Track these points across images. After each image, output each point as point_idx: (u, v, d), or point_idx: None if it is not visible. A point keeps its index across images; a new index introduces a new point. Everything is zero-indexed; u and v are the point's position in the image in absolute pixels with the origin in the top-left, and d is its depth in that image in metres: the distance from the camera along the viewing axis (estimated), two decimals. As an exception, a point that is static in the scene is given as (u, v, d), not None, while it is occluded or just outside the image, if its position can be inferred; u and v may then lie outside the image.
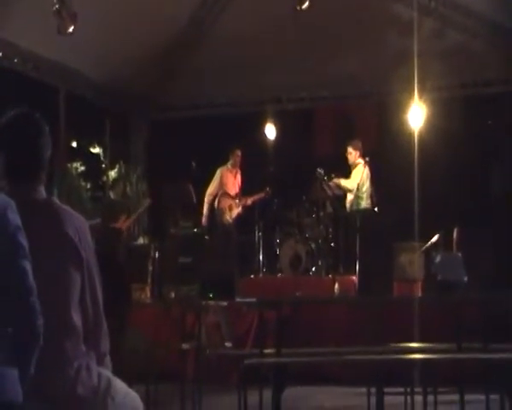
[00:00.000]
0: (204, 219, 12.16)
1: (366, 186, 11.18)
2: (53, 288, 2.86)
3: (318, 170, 11.42)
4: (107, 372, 3.06)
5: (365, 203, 11.15)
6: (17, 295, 2.41)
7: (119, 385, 3.10)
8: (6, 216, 2.44)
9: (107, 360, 3.13)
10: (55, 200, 3.08)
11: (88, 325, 3.01)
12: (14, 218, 2.45)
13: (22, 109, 3.04)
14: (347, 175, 11.44)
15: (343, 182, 11.33)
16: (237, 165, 12.34)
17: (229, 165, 12.36)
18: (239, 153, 12.27)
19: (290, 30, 11.07)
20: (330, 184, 11.44)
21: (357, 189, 11.18)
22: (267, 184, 12.28)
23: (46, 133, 3.05)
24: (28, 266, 2.42)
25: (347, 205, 11.42)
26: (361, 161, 11.32)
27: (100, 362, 3.05)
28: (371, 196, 11.13)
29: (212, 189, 12.27)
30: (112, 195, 11.37)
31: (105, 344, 3.11)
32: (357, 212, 11.01)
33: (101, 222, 10.23)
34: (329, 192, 11.48)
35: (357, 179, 11.19)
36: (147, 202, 11.88)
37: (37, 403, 2.72)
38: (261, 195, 12.14)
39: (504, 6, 10.23)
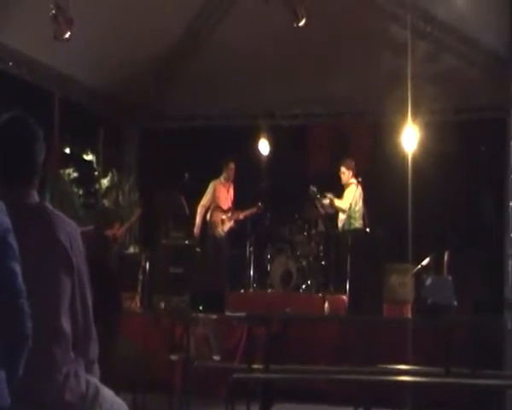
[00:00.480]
0: (196, 230, 12.14)
1: (359, 206, 11.24)
2: (43, 293, 2.84)
3: (311, 188, 11.45)
4: (95, 380, 3.06)
5: (357, 223, 11.19)
6: (6, 296, 2.40)
7: (107, 393, 3.10)
8: None
9: (96, 367, 3.13)
10: (48, 205, 3.08)
11: (77, 332, 3.00)
12: (4, 220, 2.45)
13: (16, 113, 3.03)
14: (340, 193, 11.49)
15: (336, 202, 11.37)
16: (230, 178, 12.34)
17: (222, 178, 12.36)
18: (232, 166, 12.27)
19: (286, 45, 11.12)
20: (323, 202, 11.47)
21: (350, 208, 11.23)
22: (260, 200, 12.29)
23: (40, 138, 3.04)
24: (18, 268, 2.41)
25: (339, 224, 11.45)
26: (354, 180, 11.37)
27: (88, 369, 3.04)
28: (363, 217, 11.17)
29: (204, 201, 12.26)
30: (105, 202, 11.36)
31: (94, 351, 3.11)
32: (349, 231, 11.04)
33: (93, 229, 10.21)
34: (322, 211, 11.51)
35: (350, 199, 11.25)
36: (138, 211, 11.87)
37: (25, 408, 2.71)
38: (253, 210, 12.15)
39: (499, 34, 10.31)
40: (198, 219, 12.17)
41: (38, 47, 10.18)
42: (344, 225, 11.31)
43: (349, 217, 11.20)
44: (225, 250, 12.19)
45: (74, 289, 2.99)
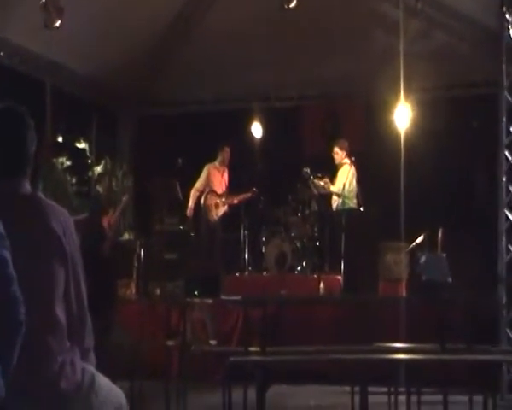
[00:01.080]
0: (189, 212, 12.13)
1: (352, 186, 11.23)
2: (37, 282, 2.84)
3: (305, 169, 11.45)
4: (91, 368, 3.06)
5: (351, 203, 11.20)
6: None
7: (103, 381, 3.10)
8: None
9: (91, 355, 3.13)
10: (40, 194, 3.07)
11: (72, 321, 3.00)
12: None
13: (6, 103, 3.03)
14: (334, 174, 11.47)
15: (331, 188, 11.35)
16: (225, 162, 12.33)
17: (216, 162, 12.35)
18: (227, 150, 12.26)
19: (278, 28, 11.09)
20: (316, 182, 11.46)
21: (344, 189, 11.22)
22: (253, 183, 12.28)
23: (31, 127, 3.02)
24: (8, 255, 2.39)
25: (333, 204, 11.45)
26: (347, 160, 11.37)
27: (84, 358, 3.04)
28: (357, 196, 11.17)
29: (198, 184, 12.26)
30: (98, 189, 11.33)
31: (89, 340, 3.11)
32: (343, 211, 11.05)
33: (87, 217, 10.19)
34: (315, 191, 11.51)
35: (343, 180, 11.25)
36: (126, 197, 11.74)
37: (20, 398, 2.71)
38: (248, 194, 12.14)
39: (491, 8, 10.26)
40: (191, 202, 12.18)
41: (29, 36, 10.16)
42: (338, 204, 11.32)
43: (343, 197, 11.20)
44: (219, 234, 12.20)
45: (68, 278, 2.98)
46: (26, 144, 3.01)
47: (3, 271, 2.39)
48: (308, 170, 11.41)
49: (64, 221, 3.00)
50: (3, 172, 2.98)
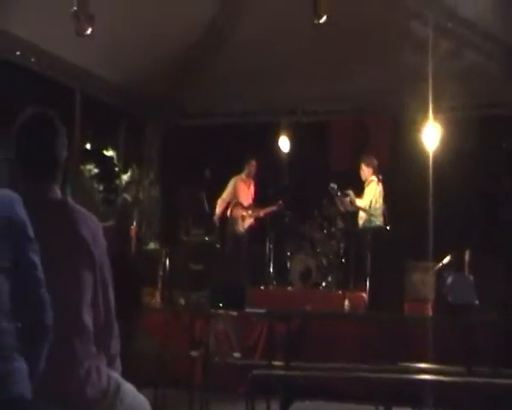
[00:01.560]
0: (215, 219, 12.19)
1: (379, 204, 11.19)
2: (65, 287, 2.86)
3: (331, 185, 11.43)
4: (116, 375, 3.07)
5: (378, 221, 11.15)
6: (26, 286, 2.41)
7: (128, 388, 3.11)
8: (14, 210, 2.44)
9: (118, 362, 3.14)
10: (70, 200, 3.09)
11: (99, 327, 3.02)
12: (20, 212, 2.46)
13: (39, 108, 3.04)
14: (360, 191, 11.44)
15: (357, 201, 11.32)
16: (251, 175, 12.35)
17: (243, 175, 12.38)
18: (254, 163, 12.29)
19: (307, 41, 11.09)
20: (343, 199, 11.43)
21: (370, 206, 11.19)
22: (280, 197, 12.29)
23: (62, 133, 3.04)
24: (36, 258, 2.42)
25: (360, 222, 11.42)
26: (374, 178, 11.33)
27: (110, 364, 3.06)
28: (384, 214, 11.12)
29: (225, 195, 12.31)
30: (126, 197, 11.38)
31: (115, 346, 3.12)
32: (369, 229, 11.01)
33: (114, 224, 10.23)
34: (342, 208, 11.49)
35: (370, 197, 11.21)
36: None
37: (46, 402, 2.71)
38: (274, 207, 12.15)
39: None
40: (218, 211, 12.21)
41: (60, 43, 10.21)
42: (364, 222, 11.28)
43: (369, 214, 11.17)
44: (245, 246, 12.20)
45: (96, 285, 3.00)
46: (57, 149, 3.02)
47: (32, 273, 2.41)
48: (335, 186, 11.39)
49: (93, 227, 3.02)
50: (33, 176, 2.99)
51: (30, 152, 2.99)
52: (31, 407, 2.35)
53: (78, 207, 3.05)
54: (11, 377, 2.31)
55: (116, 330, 3.13)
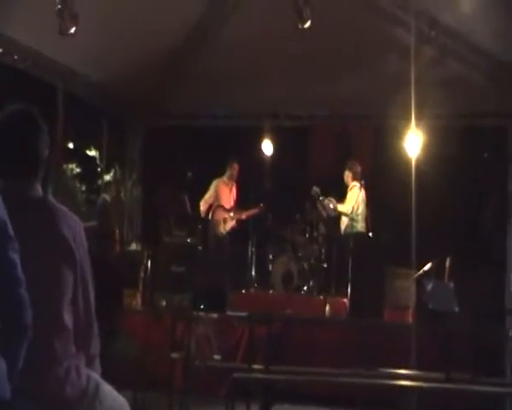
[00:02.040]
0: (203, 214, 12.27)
1: (361, 209, 11.21)
2: (44, 286, 2.85)
3: (314, 188, 11.45)
4: (96, 376, 3.07)
5: (360, 227, 11.17)
6: (5, 286, 2.39)
7: (108, 390, 3.10)
8: None
9: (97, 363, 3.14)
10: (51, 198, 3.07)
11: (79, 326, 3.01)
12: (2, 211, 2.43)
13: (20, 105, 3.01)
14: (343, 196, 11.48)
15: (339, 207, 11.35)
16: (233, 178, 12.35)
17: (225, 177, 12.38)
18: (236, 166, 12.29)
19: (292, 46, 11.12)
20: (325, 204, 11.45)
21: (352, 212, 11.22)
22: (262, 200, 12.30)
23: (44, 131, 3.01)
24: (16, 257, 2.40)
25: (342, 227, 11.45)
26: (357, 183, 11.35)
27: (89, 364, 3.05)
28: (366, 220, 11.15)
29: (207, 197, 12.30)
30: (106, 197, 11.33)
31: (95, 346, 3.12)
32: (351, 235, 11.03)
33: (96, 225, 10.20)
34: (324, 213, 11.51)
35: (352, 202, 11.21)
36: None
37: (25, 401, 2.71)
38: (255, 210, 12.16)
39: (504, 40, 10.32)
40: (202, 212, 12.22)
41: (43, 41, 10.18)
42: (346, 227, 11.31)
43: (351, 220, 11.20)
44: (227, 249, 12.21)
45: (77, 284, 2.99)
46: (38, 147, 2.99)
47: (12, 273, 2.39)
48: (318, 189, 11.41)
49: (74, 227, 3.01)
50: (13, 173, 2.96)
51: (10, 149, 2.97)
52: (9, 407, 2.34)
53: (60, 206, 3.03)
54: None
55: (96, 330, 3.12)
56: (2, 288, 2.39)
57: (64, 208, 3.03)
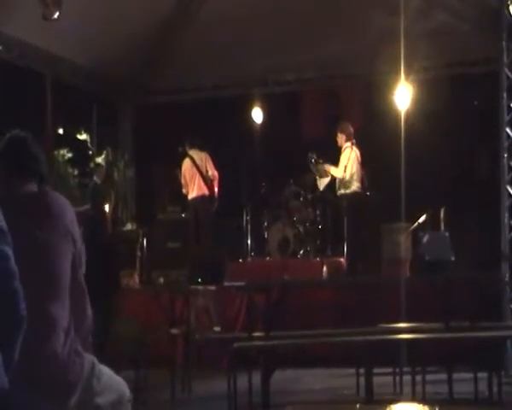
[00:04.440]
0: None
1: (355, 169, 11.04)
2: (44, 276, 2.90)
3: (310, 154, 11.40)
4: (90, 355, 3.09)
5: (355, 187, 10.99)
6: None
7: (104, 369, 3.14)
8: None
9: (89, 343, 3.17)
10: (48, 191, 3.14)
11: (75, 309, 3.03)
12: None
13: (16, 133, 3.24)
14: (337, 157, 11.38)
15: (332, 171, 11.25)
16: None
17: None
18: None
19: (275, 11, 11.03)
20: (319, 167, 11.40)
21: (345, 171, 11.13)
22: (254, 168, 12.24)
23: (40, 151, 3.23)
24: (9, 250, 2.40)
25: (336, 188, 11.34)
26: (348, 144, 11.25)
27: (83, 345, 3.07)
28: (362, 180, 11.00)
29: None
30: (96, 179, 11.30)
31: (88, 327, 3.14)
32: (345, 195, 10.95)
33: (90, 208, 10.20)
34: (318, 175, 11.47)
35: (345, 163, 11.07)
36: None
37: (26, 390, 2.72)
38: None
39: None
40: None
41: (27, 29, 10.13)
42: (341, 188, 11.19)
43: (346, 181, 11.06)
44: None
45: (74, 270, 3.02)
46: (29, 146, 3.20)
47: (5, 266, 2.40)
48: (314, 155, 11.36)
49: (72, 214, 3.09)
50: (10, 173, 3.14)
51: (10, 162, 3.16)
52: (9, 396, 2.34)
53: (56, 199, 3.10)
54: None
55: (89, 311, 3.15)
56: None
57: (60, 200, 3.11)
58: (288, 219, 11.67)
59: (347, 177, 11.01)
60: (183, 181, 11.79)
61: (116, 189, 12.24)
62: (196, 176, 11.69)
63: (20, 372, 2.44)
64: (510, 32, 9.55)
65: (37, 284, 2.79)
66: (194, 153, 11.84)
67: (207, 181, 11.67)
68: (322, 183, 11.41)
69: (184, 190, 11.78)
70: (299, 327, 7.78)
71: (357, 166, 11.05)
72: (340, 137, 11.32)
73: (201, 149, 11.91)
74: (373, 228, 10.11)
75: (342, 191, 11.05)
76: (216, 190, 11.75)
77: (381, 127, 11.87)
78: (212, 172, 11.76)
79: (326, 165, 11.30)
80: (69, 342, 2.95)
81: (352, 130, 11.32)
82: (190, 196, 11.70)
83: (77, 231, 3.06)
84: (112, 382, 3.16)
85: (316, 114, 13.85)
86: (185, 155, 11.87)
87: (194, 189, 11.67)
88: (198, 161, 11.75)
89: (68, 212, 3.07)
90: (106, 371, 3.16)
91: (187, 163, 11.80)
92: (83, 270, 3.12)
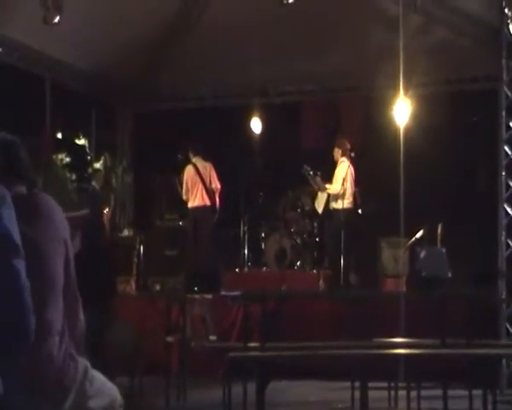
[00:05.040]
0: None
1: (348, 184, 11.00)
2: (38, 278, 2.77)
3: (305, 166, 11.41)
4: (84, 360, 3.09)
5: (347, 203, 10.95)
6: (9, 293, 2.39)
7: (97, 374, 3.14)
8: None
9: (82, 347, 3.17)
10: (38, 193, 3.07)
11: (69, 312, 3.02)
12: (6, 222, 2.42)
13: (3, 136, 3.11)
14: (333, 170, 11.39)
15: (329, 188, 11.21)
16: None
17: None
18: None
19: (277, 23, 11.06)
20: (316, 179, 11.41)
21: (342, 184, 11.09)
22: (253, 178, 12.24)
23: (27, 154, 3.09)
24: (22, 264, 2.40)
25: (331, 202, 11.27)
26: (345, 159, 11.22)
27: (77, 350, 3.08)
28: (354, 196, 11.00)
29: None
30: (94, 185, 11.32)
31: (81, 332, 3.15)
32: (337, 210, 10.90)
33: (88, 213, 10.19)
34: (316, 187, 11.48)
35: (342, 175, 11.03)
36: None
37: (22, 393, 2.72)
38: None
39: (490, 4, 10.25)
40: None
41: (28, 32, 10.14)
42: (333, 203, 11.11)
43: (340, 195, 10.98)
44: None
45: (67, 274, 3.01)
46: (17, 150, 3.07)
47: (16, 280, 2.39)
48: (308, 167, 11.37)
49: (61, 215, 3.03)
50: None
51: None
52: (4, 400, 2.34)
53: (46, 202, 3.02)
54: None
55: (81, 315, 3.15)
56: (6, 295, 2.38)
57: (51, 203, 3.03)
58: (286, 230, 11.69)
59: (342, 191, 10.96)
60: (184, 187, 11.72)
61: (114, 194, 12.24)
62: (199, 185, 11.63)
63: (16, 376, 2.45)
64: (510, 51, 9.58)
65: (31, 285, 2.78)
66: (197, 161, 11.80)
67: (210, 192, 11.64)
68: (320, 204, 11.42)
69: (185, 197, 11.72)
70: (294, 338, 7.80)
71: (351, 183, 11.05)
72: (337, 152, 11.34)
73: (205, 158, 11.86)
74: (370, 242, 10.12)
75: (334, 206, 11.01)
76: (218, 201, 11.71)
77: (380, 142, 11.91)
78: (216, 184, 11.71)
79: (323, 185, 11.30)
80: (64, 346, 2.94)
81: (348, 146, 11.33)
82: (191, 205, 11.65)
83: (68, 236, 3.04)
84: (104, 387, 3.16)
85: (315, 125, 13.89)
86: (188, 161, 11.84)
87: (196, 198, 11.62)
88: (202, 170, 11.72)
89: (59, 215, 3.02)
90: (98, 375, 3.16)
91: (190, 170, 11.76)
92: (73, 272, 3.11)
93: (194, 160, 11.81)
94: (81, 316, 3.13)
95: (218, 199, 11.69)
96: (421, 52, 10.78)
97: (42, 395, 2.85)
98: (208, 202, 11.57)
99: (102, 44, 11.25)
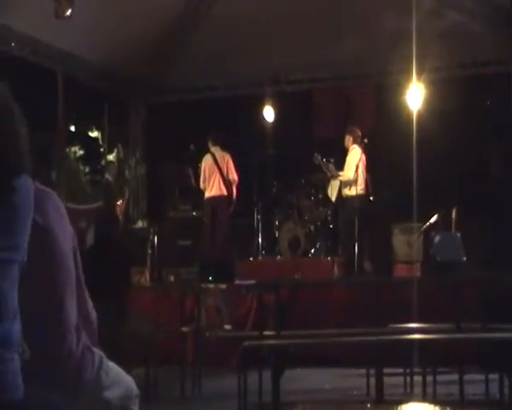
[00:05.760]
0: None
1: (360, 171, 10.92)
2: (55, 267, 2.77)
3: (315, 154, 11.38)
4: (98, 351, 3.09)
5: (359, 189, 10.88)
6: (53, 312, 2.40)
7: (112, 364, 3.12)
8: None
9: (96, 337, 3.17)
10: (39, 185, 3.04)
11: (79, 303, 3.03)
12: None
13: None
14: (345, 158, 11.33)
15: (342, 175, 11.16)
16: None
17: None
18: None
19: (287, 11, 11.02)
20: (329, 166, 11.38)
21: (356, 170, 11.01)
22: (266, 167, 12.21)
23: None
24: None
25: (344, 189, 11.21)
26: (356, 146, 11.14)
27: (91, 341, 3.08)
28: (366, 183, 10.93)
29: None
30: (108, 177, 11.34)
31: (93, 322, 3.14)
32: (350, 197, 10.85)
33: (101, 205, 10.22)
34: (329, 174, 11.44)
35: (355, 163, 10.94)
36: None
37: (43, 391, 2.72)
38: None
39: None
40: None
41: (40, 26, 10.16)
42: (348, 190, 11.06)
43: (352, 182, 10.91)
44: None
45: (76, 265, 3.01)
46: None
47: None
48: (319, 155, 11.34)
49: (64, 215, 3.01)
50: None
51: None
52: (25, 400, 2.33)
53: (46, 194, 3.00)
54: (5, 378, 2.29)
55: (91, 305, 3.13)
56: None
57: (50, 195, 2.89)
58: (299, 218, 11.67)
59: (355, 178, 10.90)
60: (202, 176, 11.72)
61: (127, 186, 12.28)
62: (216, 175, 11.64)
63: (37, 374, 2.44)
64: (522, 33, 9.52)
65: (51, 278, 2.76)
66: (216, 150, 11.79)
67: (227, 182, 11.63)
68: (333, 192, 11.39)
69: (202, 186, 11.73)
70: (309, 326, 7.77)
71: (363, 169, 10.97)
72: (348, 140, 11.29)
73: (224, 148, 11.84)
74: (384, 228, 10.08)
75: (347, 193, 10.96)
76: (234, 192, 11.70)
77: (393, 127, 11.86)
78: (233, 176, 11.71)
79: (336, 173, 11.26)
80: (81, 340, 2.95)
81: (359, 133, 11.25)
82: (208, 194, 11.65)
83: (71, 228, 3.02)
84: (119, 377, 3.14)
85: (327, 113, 13.83)
86: (205, 151, 11.83)
87: (214, 188, 11.63)
88: (219, 160, 11.71)
89: (61, 207, 3.01)
90: (113, 366, 3.14)
91: (208, 159, 11.75)
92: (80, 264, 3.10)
93: (212, 149, 11.79)
94: (90, 305, 3.12)
95: (234, 191, 11.68)
96: (433, 36, 10.71)
97: (62, 392, 2.85)
98: (225, 192, 11.57)
99: (114, 37, 11.25)
